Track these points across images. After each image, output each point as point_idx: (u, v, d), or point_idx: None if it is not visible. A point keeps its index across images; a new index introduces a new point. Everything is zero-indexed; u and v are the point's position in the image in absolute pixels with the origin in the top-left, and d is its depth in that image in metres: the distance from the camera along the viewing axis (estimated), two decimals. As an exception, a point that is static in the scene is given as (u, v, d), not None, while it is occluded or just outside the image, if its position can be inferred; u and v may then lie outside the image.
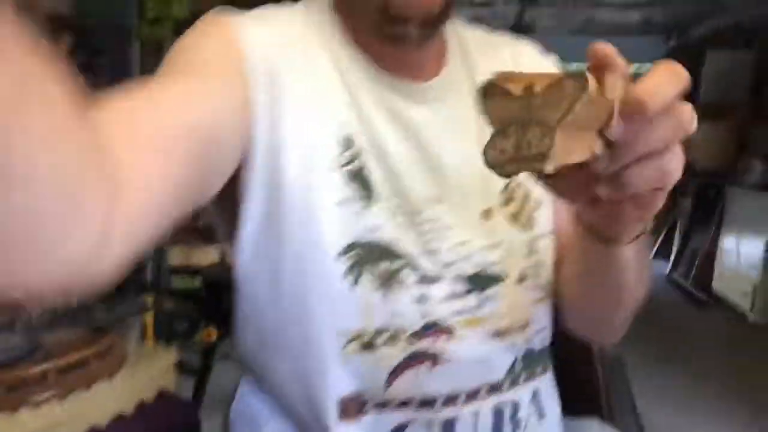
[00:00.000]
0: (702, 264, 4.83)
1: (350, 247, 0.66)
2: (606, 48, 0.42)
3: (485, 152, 0.40)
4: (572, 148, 0.39)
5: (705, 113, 5.00)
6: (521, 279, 0.72)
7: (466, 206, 0.71)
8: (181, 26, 3.30)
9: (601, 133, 0.40)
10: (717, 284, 4.58)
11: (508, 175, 0.41)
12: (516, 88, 0.39)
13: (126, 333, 1.54)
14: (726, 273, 4.45)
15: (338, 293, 0.65)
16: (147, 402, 1.32)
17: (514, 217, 0.73)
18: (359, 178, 0.66)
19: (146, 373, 1.39)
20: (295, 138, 0.64)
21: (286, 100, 0.64)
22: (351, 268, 0.66)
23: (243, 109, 0.62)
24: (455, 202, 0.71)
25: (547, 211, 0.75)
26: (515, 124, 0.39)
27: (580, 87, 0.37)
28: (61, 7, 2.67)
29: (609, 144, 0.41)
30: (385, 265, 0.66)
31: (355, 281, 0.65)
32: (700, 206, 4.92)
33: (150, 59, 3.48)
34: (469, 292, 0.70)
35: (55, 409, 1.21)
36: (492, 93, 0.40)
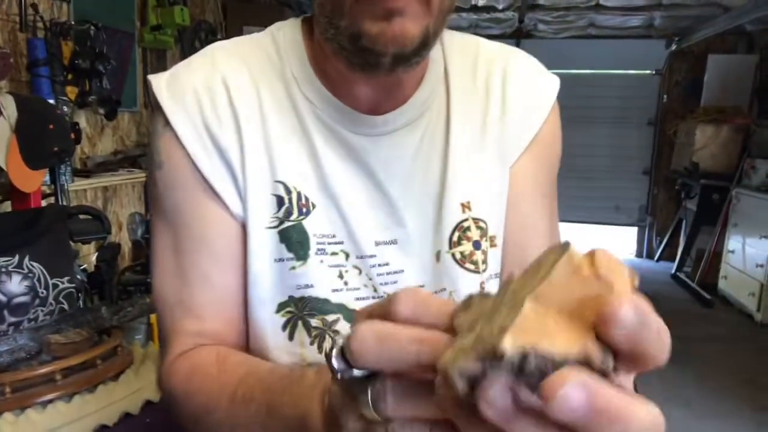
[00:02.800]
0: (707, 264, 4.84)
1: (285, 304, 0.68)
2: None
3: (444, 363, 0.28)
4: (550, 331, 0.27)
5: (708, 116, 5.04)
6: None
7: (420, 248, 0.70)
8: (182, 33, 3.32)
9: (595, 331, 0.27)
10: (723, 284, 4.59)
11: (460, 373, 0.27)
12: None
13: (131, 334, 1.54)
14: (732, 273, 4.46)
15: (278, 347, 0.68)
16: (154, 402, 1.32)
17: (466, 258, 0.70)
18: (286, 239, 0.66)
19: (152, 373, 1.39)
20: (252, 191, 0.67)
21: (246, 155, 0.66)
22: (286, 324, 0.68)
23: (231, 199, 0.66)
24: (408, 243, 0.70)
25: (499, 251, 0.73)
26: (482, 318, 0.29)
27: (560, 251, 0.29)
28: (62, 14, 2.69)
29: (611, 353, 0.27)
30: (317, 321, 0.68)
31: (291, 337, 0.68)
32: (704, 207, 4.93)
33: (152, 65, 3.50)
34: None
35: (62, 408, 1.21)
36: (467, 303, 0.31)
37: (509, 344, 0.26)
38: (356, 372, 0.32)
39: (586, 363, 0.26)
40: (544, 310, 0.27)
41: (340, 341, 0.32)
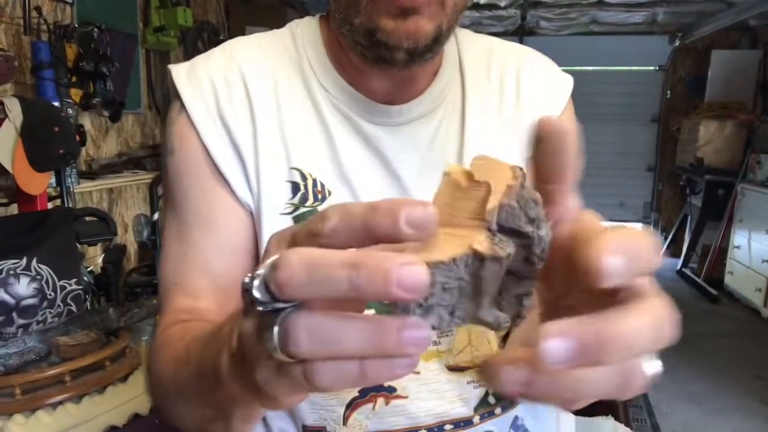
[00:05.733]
0: (713, 260, 4.83)
1: None
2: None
3: None
4: (438, 246, 0.29)
5: (712, 112, 5.03)
6: None
7: None
8: (185, 34, 3.31)
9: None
10: (728, 280, 4.58)
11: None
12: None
13: (139, 335, 1.54)
14: (738, 269, 4.45)
15: None
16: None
17: None
18: None
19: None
20: (266, 178, 0.67)
21: (259, 145, 0.67)
22: None
23: (242, 188, 0.67)
24: None
25: None
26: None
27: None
28: (65, 16, 2.69)
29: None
30: None
31: None
32: (710, 203, 4.91)
33: (155, 66, 3.51)
34: None
35: (71, 410, 1.22)
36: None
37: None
38: (279, 305, 0.28)
39: (478, 257, 0.29)
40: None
41: (261, 271, 0.28)
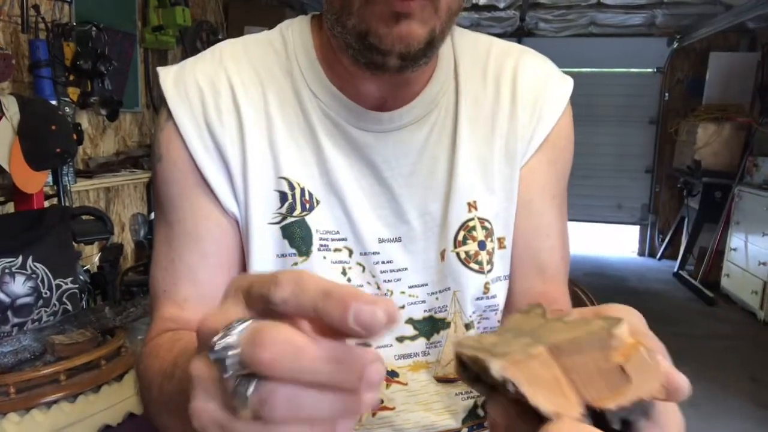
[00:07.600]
0: (710, 262, 4.84)
1: None
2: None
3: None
4: (540, 382, 0.29)
5: (710, 114, 5.03)
6: (468, 326, 0.71)
7: (424, 246, 0.70)
8: (183, 33, 3.29)
9: (594, 406, 0.29)
10: (725, 282, 4.59)
11: (459, 359, 0.33)
12: (553, 313, 0.34)
13: (135, 334, 1.54)
14: (734, 271, 4.45)
15: None
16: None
17: (470, 258, 0.70)
18: (289, 235, 0.67)
19: (155, 374, 1.40)
20: (254, 188, 0.67)
21: (247, 154, 0.67)
22: None
23: (227, 197, 0.67)
24: (412, 241, 0.69)
25: (508, 253, 0.72)
26: (514, 332, 0.33)
27: (611, 324, 0.30)
28: (63, 15, 2.69)
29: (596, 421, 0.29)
30: None
31: None
32: (707, 205, 4.92)
33: (153, 65, 3.50)
34: (416, 336, 0.70)
35: (66, 409, 1.22)
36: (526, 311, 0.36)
37: (495, 368, 0.29)
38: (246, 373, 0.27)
39: (543, 421, 0.29)
40: (551, 363, 0.30)
41: (232, 337, 0.27)
